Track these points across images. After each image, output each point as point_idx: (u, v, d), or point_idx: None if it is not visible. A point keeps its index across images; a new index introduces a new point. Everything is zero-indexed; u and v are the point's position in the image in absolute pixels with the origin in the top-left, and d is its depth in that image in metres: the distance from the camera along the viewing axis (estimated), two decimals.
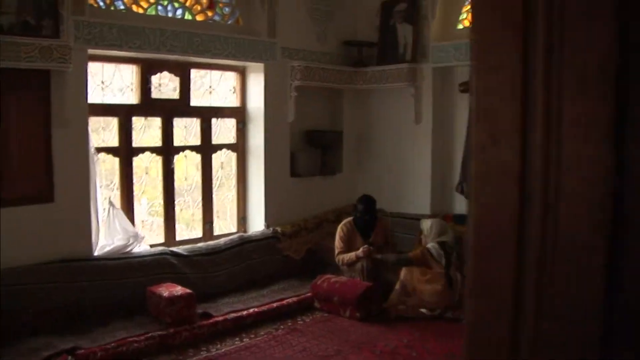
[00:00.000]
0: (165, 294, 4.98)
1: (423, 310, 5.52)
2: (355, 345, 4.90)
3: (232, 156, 6.73)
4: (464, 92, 6.84)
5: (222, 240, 6.23)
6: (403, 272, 5.67)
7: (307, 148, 7.19)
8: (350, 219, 6.32)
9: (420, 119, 7.09)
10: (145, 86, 5.82)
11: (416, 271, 5.64)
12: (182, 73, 6.12)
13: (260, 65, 6.50)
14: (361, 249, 5.95)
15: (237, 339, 5.01)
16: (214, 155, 6.53)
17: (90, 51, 5.14)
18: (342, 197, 7.55)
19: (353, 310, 5.51)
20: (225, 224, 6.80)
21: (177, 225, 6.23)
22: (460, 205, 7.02)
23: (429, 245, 5.72)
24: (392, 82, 7.06)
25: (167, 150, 6.08)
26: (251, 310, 5.38)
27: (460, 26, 6.93)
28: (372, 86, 7.27)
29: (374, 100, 7.57)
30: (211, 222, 6.53)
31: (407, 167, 7.27)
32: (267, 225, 6.65)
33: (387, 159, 7.49)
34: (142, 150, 5.90)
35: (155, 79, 5.92)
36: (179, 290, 5.09)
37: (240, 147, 6.74)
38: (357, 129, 7.71)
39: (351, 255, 6.03)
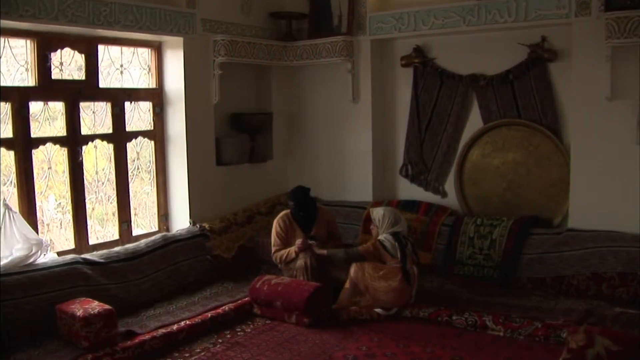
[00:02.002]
0: (79, 312, 4.16)
1: (378, 310, 4.94)
2: (310, 357, 4.25)
3: (149, 145, 5.93)
4: (405, 66, 6.31)
5: (142, 242, 5.44)
6: (353, 269, 5.06)
7: (234, 133, 6.46)
8: (287, 211, 5.67)
9: (358, 97, 6.51)
10: (43, 65, 4.93)
11: (368, 267, 5.04)
12: (88, 49, 5.26)
13: (179, 40, 5.70)
14: (297, 242, 5.34)
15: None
16: (128, 145, 5.72)
17: None
18: (274, 186, 6.95)
19: (300, 316, 4.86)
20: (144, 223, 5.99)
21: (89, 227, 5.37)
22: (405, 190, 6.49)
23: (382, 238, 5.13)
24: (326, 57, 6.41)
25: (74, 140, 5.22)
26: (183, 324, 4.63)
27: None
28: (303, 62, 6.60)
29: (306, 77, 6.92)
30: (128, 221, 5.71)
31: (345, 151, 6.70)
32: (193, 222, 5.91)
33: (322, 143, 6.87)
34: (42, 141, 5.03)
35: (55, 57, 5.03)
36: (95, 306, 4.28)
37: (158, 135, 5.95)
38: (288, 110, 7.03)
39: (290, 251, 5.40)
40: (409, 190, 6.46)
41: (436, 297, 5.18)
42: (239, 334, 4.73)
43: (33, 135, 4.94)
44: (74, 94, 5.20)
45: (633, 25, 4.79)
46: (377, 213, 5.28)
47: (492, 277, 5.46)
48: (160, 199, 6.02)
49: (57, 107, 5.17)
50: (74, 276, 4.67)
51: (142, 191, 5.96)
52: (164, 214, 6.03)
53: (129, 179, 5.74)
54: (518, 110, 5.79)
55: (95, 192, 5.51)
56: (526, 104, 5.74)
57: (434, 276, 5.64)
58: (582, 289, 5.05)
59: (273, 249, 5.53)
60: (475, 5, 5.58)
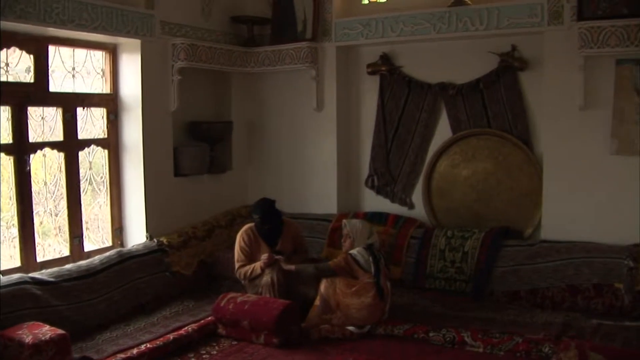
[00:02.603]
0: (28, 339, 3.76)
1: (350, 328, 4.70)
2: None
3: (102, 154, 5.56)
4: (372, 74, 6.15)
5: (96, 259, 5.04)
6: (323, 285, 4.81)
7: (192, 142, 6.14)
8: (251, 224, 5.38)
9: (322, 105, 6.30)
10: None
11: (339, 283, 4.79)
12: (38, 50, 4.87)
13: (136, 43, 5.37)
14: (263, 257, 5.05)
15: None
16: (80, 154, 5.34)
17: None
18: (235, 197, 6.65)
19: (269, 336, 4.57)
20: (97, 238, 5.60)
21: (37, 242, 4.96)
22: (370, 201, 6.29)
23: (353, 252, 4.89)
24: (290, 63, 6.19)
25: (20, 148, 4.82)
26: (143, 347, 4.27)
27: (365, 0, 6.18)
28: (265, 68, 6.35)
29: (268, 84, 6.66)
30: (80, 236, 5.31)
31: (308, 161, 6.46)
32: (150, 237, 5.56)
33: (285, 152, 6.62)
34: None
35: (1, 57, 4.63)
36: (46, 331, 3.89)
37: (112, 143, 5.59)
38: (249, 118, 6.75)
39: (255, 266, 5.10)
40: (374, 202, 6.27)
41: (408, 312, 4.98)
42: (204, 356, 4.40)
43: None
44: (21, 97, 4.80)
45: (606, 35, 4.75)
46: (354, 225, 5.03)
47: (465, 290, 5.30)
48: (114, 212, 5.63)
49: (2, 112, 4.75)
50: (21, 297, 4.24)
51: (95, 203, 5.57)
52: (118, 228, 5.65)
53: (81, 191, 5.35)
54: (488, 120, 5.68)
55: (44, 204, 5.11)
56: (496, 114, 5.64)
57: (404, 290, 5.45)
58: (557, 301, 4.95)
59: (237, 265, 5.22)
60: (446, 13, 5.45)
